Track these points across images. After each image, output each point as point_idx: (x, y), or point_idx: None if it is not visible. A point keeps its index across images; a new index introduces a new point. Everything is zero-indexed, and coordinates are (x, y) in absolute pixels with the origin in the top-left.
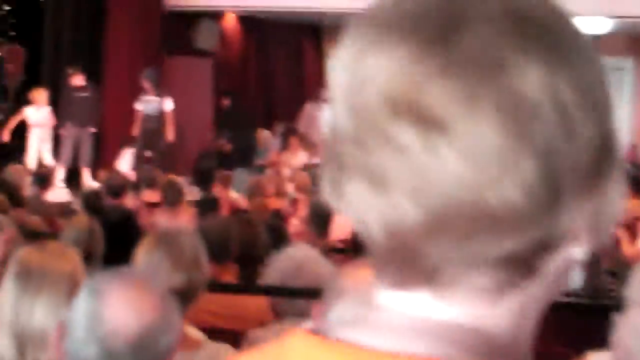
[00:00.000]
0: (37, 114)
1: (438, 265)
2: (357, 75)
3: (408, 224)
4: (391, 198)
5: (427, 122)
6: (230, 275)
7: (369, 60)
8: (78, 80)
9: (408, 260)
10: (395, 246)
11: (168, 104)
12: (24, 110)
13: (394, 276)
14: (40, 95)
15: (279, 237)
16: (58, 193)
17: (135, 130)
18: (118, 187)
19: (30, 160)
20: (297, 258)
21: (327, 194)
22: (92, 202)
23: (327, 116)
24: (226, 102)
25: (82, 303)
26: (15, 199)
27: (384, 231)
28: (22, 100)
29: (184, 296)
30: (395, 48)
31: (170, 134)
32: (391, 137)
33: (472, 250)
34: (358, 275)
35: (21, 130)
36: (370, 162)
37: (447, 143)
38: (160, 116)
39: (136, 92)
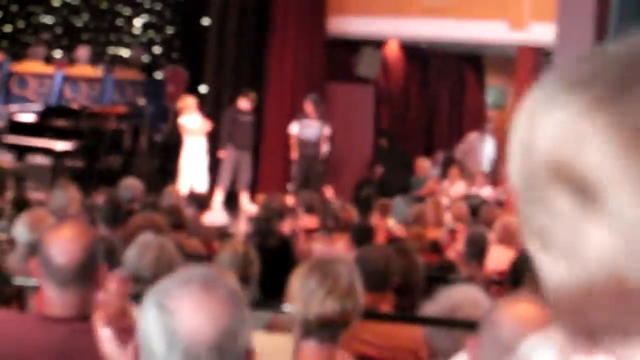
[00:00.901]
0: (191, 120)
1: (603, 330)
2: (530, 132)
3: (565, 286)
4: (552, 258)
5: (581, 187)
6: (387, 305)
7: (541, 118)
8: (244, 103)
9: (575, 322)
10: (562, 307)
11: (327, 130)
12: (179, 119)
13: (571, 337)
14: (189, 102)
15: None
16: (215, 215)
17: (294, 155)
18: (277, 211)
19: (184, 182)
20: (459, 295)
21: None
22: (261, 226)
23: (508, 169)
24: (384, 141)
25: (153, 321)
26: (176, 221)
27: (551, 290)
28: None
29: (337, 324)
30: (566, 105)
31: (323, 159)
32: (549, 199)
33: (626, 319)
34: (516, 310)
35: (175, 153)
36: (536, 219)
37: (597, 211)
38: (319, 141)
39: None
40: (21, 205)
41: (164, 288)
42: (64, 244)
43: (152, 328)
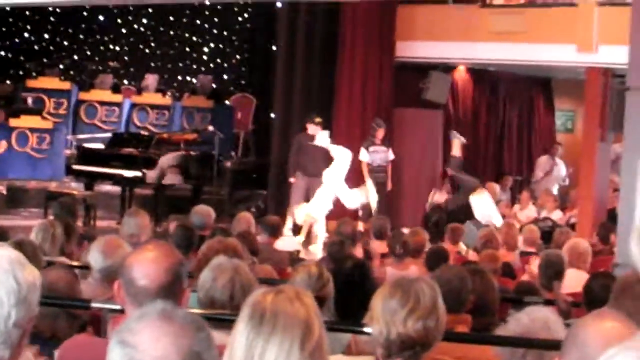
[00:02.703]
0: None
1: None
2: None
3: None
4: None
5: None
6: (464, 326)
7: None
8: (313, 129)
9: None
10: None
11: (391, 155)
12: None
13: None
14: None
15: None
16: (287, 242)
17: (366, 181)
18: (350, 236)
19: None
20: (534, 317)
21: None
22: (335, 251)
23: None
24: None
25: (118, 358)
26: (249, 246)
27: None
28: (250, 150)
29: (420, 344)
30: None
31: (390, 184)
32: None
33: None
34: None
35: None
36: None
37: None
38: (387, 166)
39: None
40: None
41: (125, 326)
42: (148, 266)
43: None
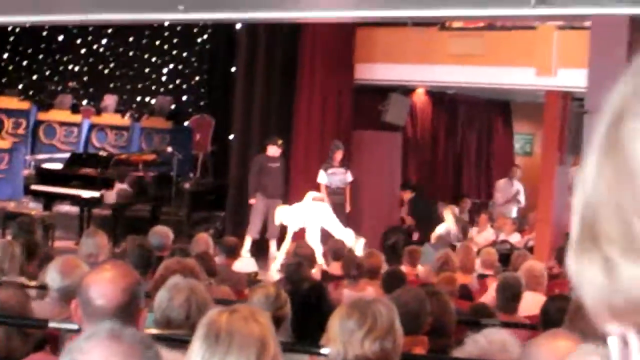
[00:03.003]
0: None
1: None
2: None
3: None
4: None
5: None
6: (421, 348)
7: None
8: (273, 149)
9: None
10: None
11: (349, 177)
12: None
13: None
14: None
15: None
16: (245, 263)
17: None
18: (307, 258)
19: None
20: (490, 339)
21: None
22: (291, 272)
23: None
24: (408, 195)
25: None
26: (206, 267)
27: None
28: (209, 171)
29: None
30: None
31: (348, 206)
32: None
33: None
34: (553, 345)
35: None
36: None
37: None
38: (345, 188)
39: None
40: (31, 250)
41: (74, 345)
42: (104, 286)
43: None
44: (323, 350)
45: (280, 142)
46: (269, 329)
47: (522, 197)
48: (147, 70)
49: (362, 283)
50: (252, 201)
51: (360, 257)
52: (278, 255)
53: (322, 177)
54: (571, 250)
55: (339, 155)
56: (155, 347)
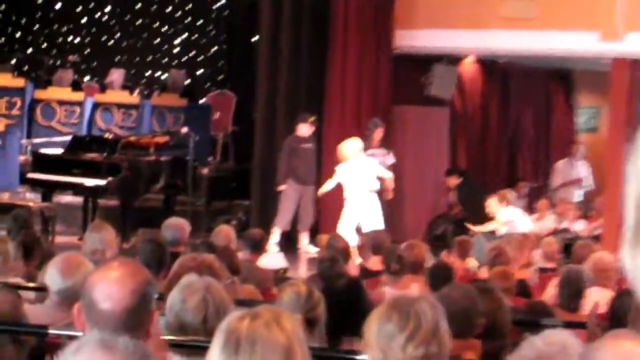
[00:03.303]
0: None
1: None
2: None
3: None
4: None
5: None
6: (473, 353)
7: None
8: (305, 129)
9: None
10: None
11: (391, 158)
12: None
13: None
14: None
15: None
16: (272, 258)
17: None
18: (342, 252)
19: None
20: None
21: None
22: (325, 268)
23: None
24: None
25: None
26: (228, 264)
27: None
28: (229, 154)
29: None
30: None
31: (389, 194)
32: None
33: None
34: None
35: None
36: None
37: None
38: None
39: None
40: (30, 247)
41: (64, 355)
42: (110, 287)
43: None
44: (360, 357)
45: (312, 119)
46: (296, 335)
47: (589, 179)
48: (157, 41)
49: (405, 279)
50: (282, 187)
51: (401, 248)
52: (309, 249)
53: None
54: (625, 243)
55: (378, 134)
56: (151, 357)
